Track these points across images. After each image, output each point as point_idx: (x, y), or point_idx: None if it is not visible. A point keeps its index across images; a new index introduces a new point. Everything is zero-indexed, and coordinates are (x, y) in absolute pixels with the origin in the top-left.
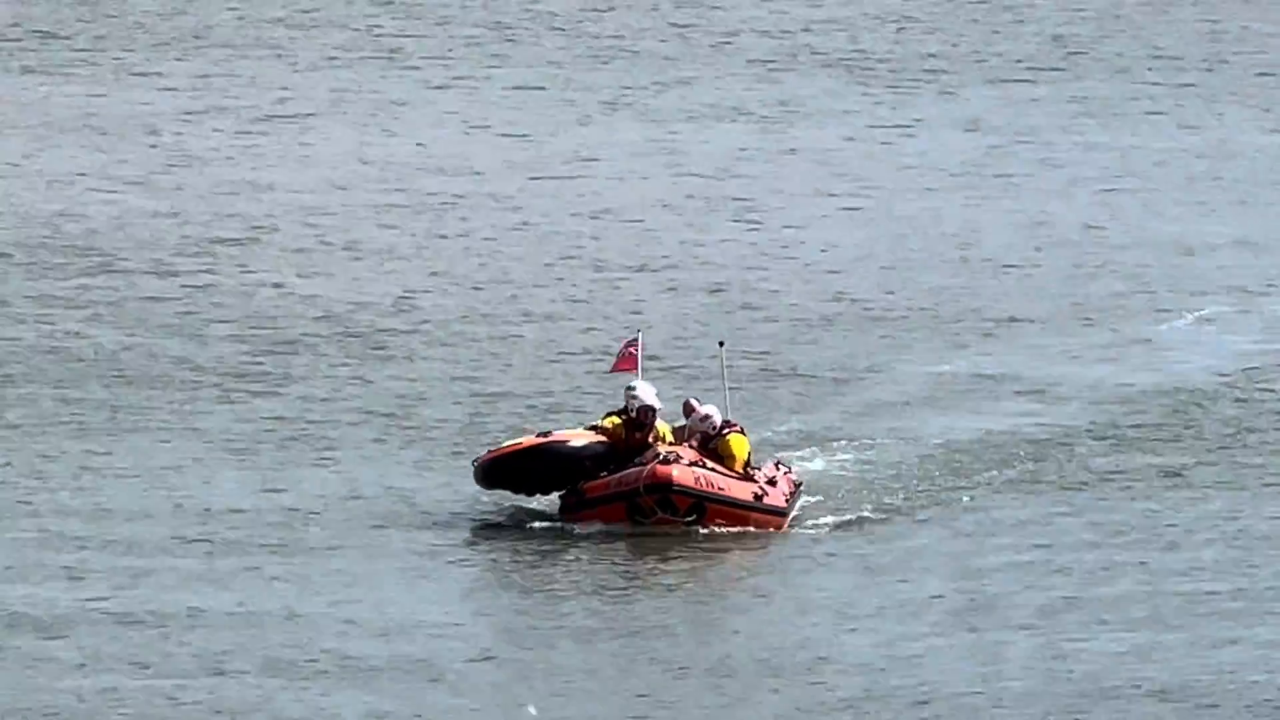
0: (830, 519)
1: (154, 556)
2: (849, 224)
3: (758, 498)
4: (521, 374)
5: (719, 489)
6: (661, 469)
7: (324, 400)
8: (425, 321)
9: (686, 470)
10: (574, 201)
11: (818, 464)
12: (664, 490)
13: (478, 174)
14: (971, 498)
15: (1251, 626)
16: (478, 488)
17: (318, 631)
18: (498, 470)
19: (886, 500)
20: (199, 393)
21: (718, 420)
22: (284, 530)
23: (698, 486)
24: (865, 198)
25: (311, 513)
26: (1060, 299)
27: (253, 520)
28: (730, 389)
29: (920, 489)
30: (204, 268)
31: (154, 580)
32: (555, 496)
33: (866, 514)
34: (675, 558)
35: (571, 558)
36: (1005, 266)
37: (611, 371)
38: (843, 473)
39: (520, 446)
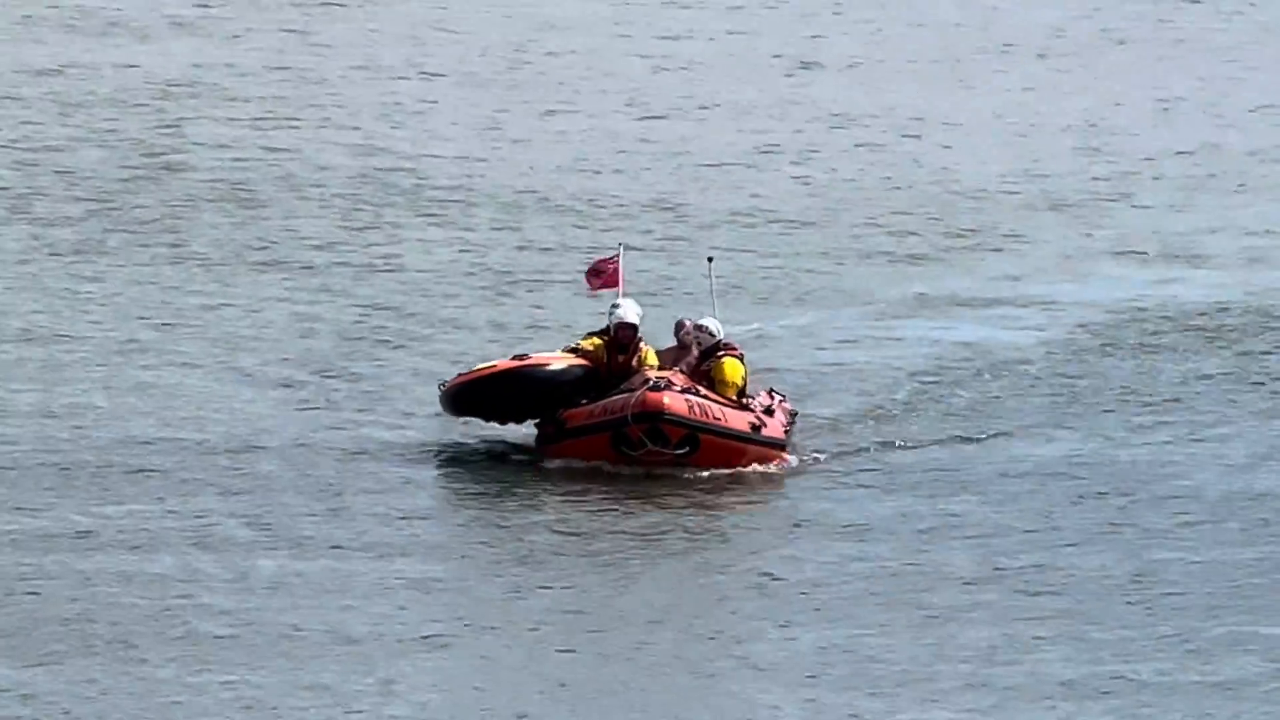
0: (829, 450)
1: None
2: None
3: (755, 428)
4: (494, 293)
5: (714, 419)
6: (652, 396)
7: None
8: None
9: (679, 398)
10: (552, 92)
11: (814, 385)
12: (654, 420)
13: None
14: (980, 419)
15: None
16: (445, 415)
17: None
18: (468, 396)
19: (889, 426)
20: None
21: (718, 333)
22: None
23: (691, 416)
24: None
25: (262, 437)
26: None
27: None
28: (720, 307)
29: (926, 411)
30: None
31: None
32: (531, 425)
33: (868, 442)
34: (665, 497)
35: (549, 497)
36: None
37: (591, 293)
38: (842, 396)
39: (493, 370)
